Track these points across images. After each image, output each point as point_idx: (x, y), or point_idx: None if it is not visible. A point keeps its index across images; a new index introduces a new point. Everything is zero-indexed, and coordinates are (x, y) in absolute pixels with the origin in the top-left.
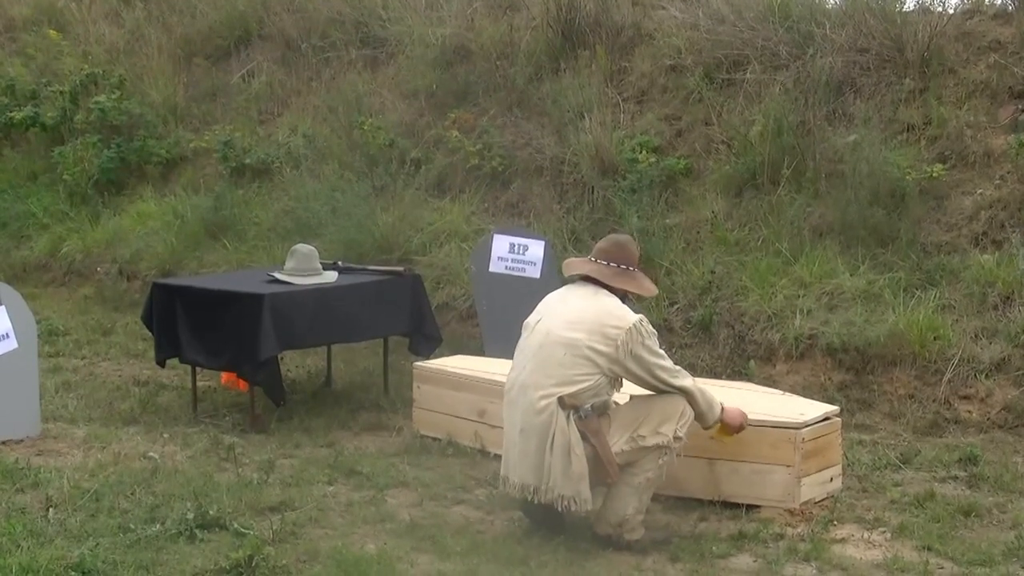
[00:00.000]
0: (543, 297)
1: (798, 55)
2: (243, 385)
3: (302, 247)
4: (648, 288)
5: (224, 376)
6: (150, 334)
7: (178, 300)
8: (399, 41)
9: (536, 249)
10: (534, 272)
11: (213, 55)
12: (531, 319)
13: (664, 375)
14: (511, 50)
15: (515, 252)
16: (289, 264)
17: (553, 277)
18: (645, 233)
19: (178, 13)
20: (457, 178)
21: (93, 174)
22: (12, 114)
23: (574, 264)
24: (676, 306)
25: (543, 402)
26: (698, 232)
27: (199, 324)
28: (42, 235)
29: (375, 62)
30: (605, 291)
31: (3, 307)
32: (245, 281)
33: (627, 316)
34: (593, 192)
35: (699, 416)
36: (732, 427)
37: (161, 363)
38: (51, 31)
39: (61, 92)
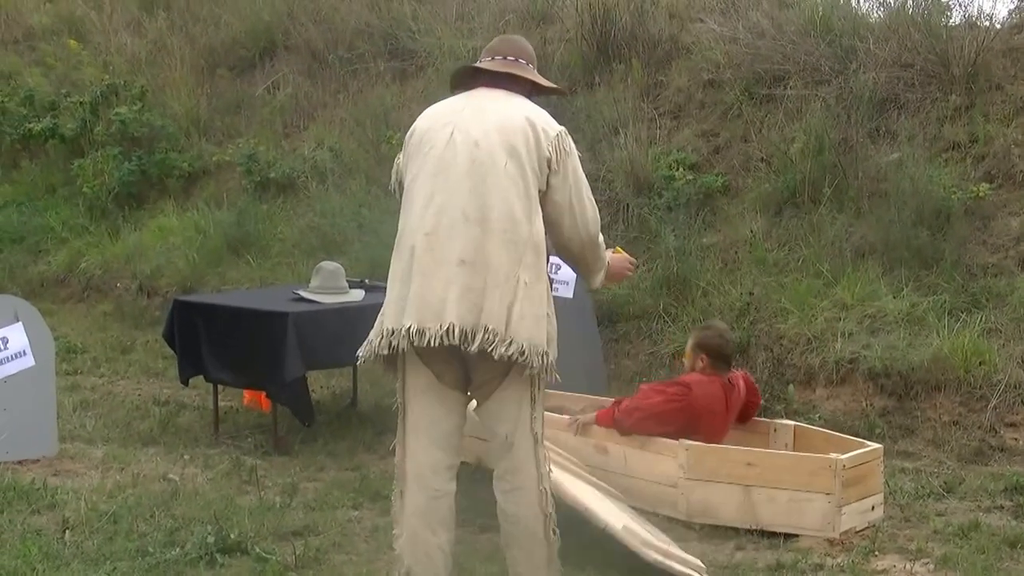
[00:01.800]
0: (576, 319)
1: (840, 70)
2: (266, 405)
3: (328, 264)
4: (547, 83)
5: (247, 396)
6: (170, 352)
7: (201, 317)
8: (428, 53)
9: (568, 269)
10: (567, 292)
11: (237, 66)
12: (423, 133)
13: (589, 196)
14: (544, 63)
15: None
16: (314, 282)
17: (586, 297)
18: (681, 252)
19: (201, 23)
20: None
21: (113, 187)
22: (31, 125)
23: (464, 70)
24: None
25: (509, 227)
26: (736, 252)
27: (222, 342)
28: (60, 249)
29: (404, 74)
30: (512, 93)
31: (20, 324)
32: (269, 299)
33: (551, 119)
34: (628, 210)
35: (591, 270)
36: (617, 276)
37: (184, 381)
38: (71, 41)
39: (81, 103)
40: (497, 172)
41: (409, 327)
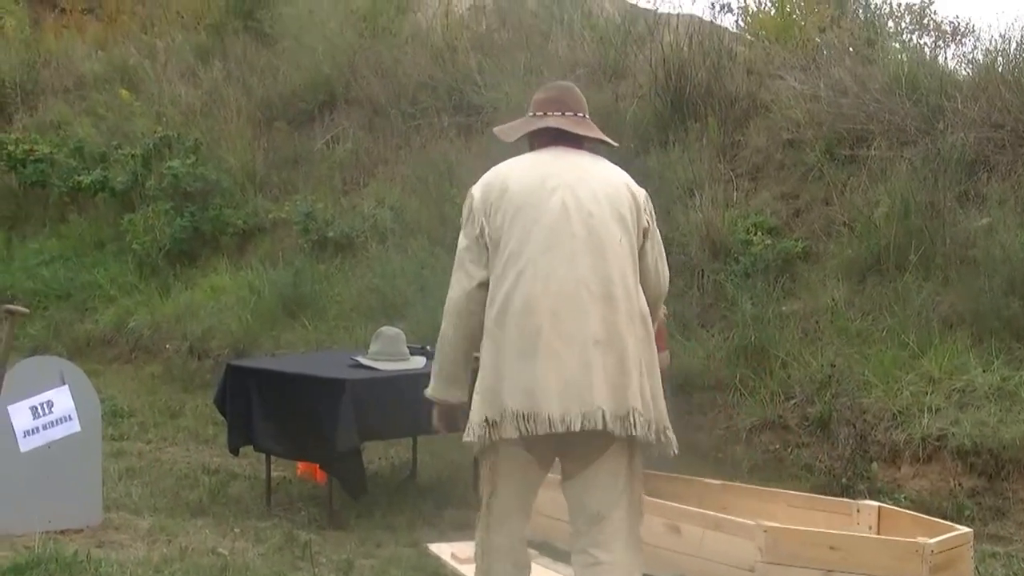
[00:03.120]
0: None
1: (927, 130)
2: (321, 477)
3: (388, 330)
4: (608, 138)
5: (300, 466)
6: (221, 418)
7: (253, 383)
8: (495, 108)
9: None
10: None
11: (295, 119)
12: (522, 194)
13: (663, 254)
14: (616, 120)
15: None
16: (374, 347)
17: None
18: (760, 321)
19: (259, 74)
20: None
21: (164, 243)
22: (80, 178)
23: (533, 122)
24: (792, 401)
25: (630, 302)
26: (817, 321)
27: (275, 409)
28: (108, 308)
29: (468, 130)
30: (595, 155)
31: (66, 386)
32: (325, 364)
33: (633, 181)
34: (703, 276)
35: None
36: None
37: (234, 451)
38: (123, 90)
39: (132, 155)
40: (614, 244)
41: (548, 413)
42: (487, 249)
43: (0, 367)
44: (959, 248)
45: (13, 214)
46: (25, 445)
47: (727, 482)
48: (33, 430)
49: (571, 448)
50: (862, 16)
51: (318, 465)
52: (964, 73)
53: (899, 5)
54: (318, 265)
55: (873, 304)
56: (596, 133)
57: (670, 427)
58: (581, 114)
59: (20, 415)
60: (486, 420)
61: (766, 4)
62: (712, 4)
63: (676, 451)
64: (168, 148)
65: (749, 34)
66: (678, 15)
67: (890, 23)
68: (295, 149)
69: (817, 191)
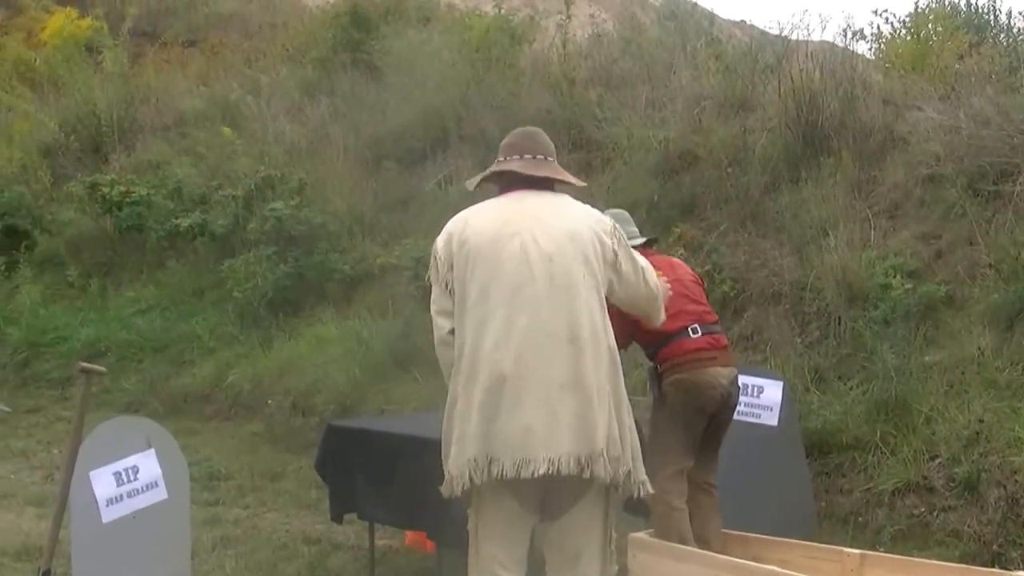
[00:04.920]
0: (782, 450)
1: None
2: (430, 546)
3: None
4: (575, 178)
5: (408, 536)
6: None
7: (357, 445)
8: (616, 144)
9: (773, 391)
10: (771, 419)
11: (405, 158)
12: (480, 244)
13: (647, 265)
14: (744, 156)
15: (748, 394)
16: None
17: (794, 424)
18: (901, 373)
19: (367, 110)
20: None
21: (266, 291)
22: (178, 221)
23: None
24: (937, 460)
25: (597, 342)
26: (963, 372)
27: (381, 474)
28: (207, 360)
29: (589, 167)
30: (558, 194)
31: (152, 450)
32: (436, 424)
33: (599, 213)
34: (839, 323)
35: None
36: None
37: (337, 519)
38: (225, 128)
39: (233, 197)
40: (577, 286)
41: (516, 460)
42: (451, 298)
43: (76, 431)
44: None
45: (108, 260)
46: (108, 515)
47: (867, 551)
48: (117, 498)
49: (553, 491)
50: (1003, 42)
51: (427, 534)
52: None
53: None
54: (430, 315)
55: (1022, 353)
56: (557, 174)
57: (641, 466)
58: (542, 156)
59: (102, 482)
60: (462, 468)
61: (901, 31)
62: (844, 31)
63: (649, 491)
64: (271, 189)
65: (884, 62)
66: (808, 42)
67: None
68: (405, 190)
69: (960, 230)
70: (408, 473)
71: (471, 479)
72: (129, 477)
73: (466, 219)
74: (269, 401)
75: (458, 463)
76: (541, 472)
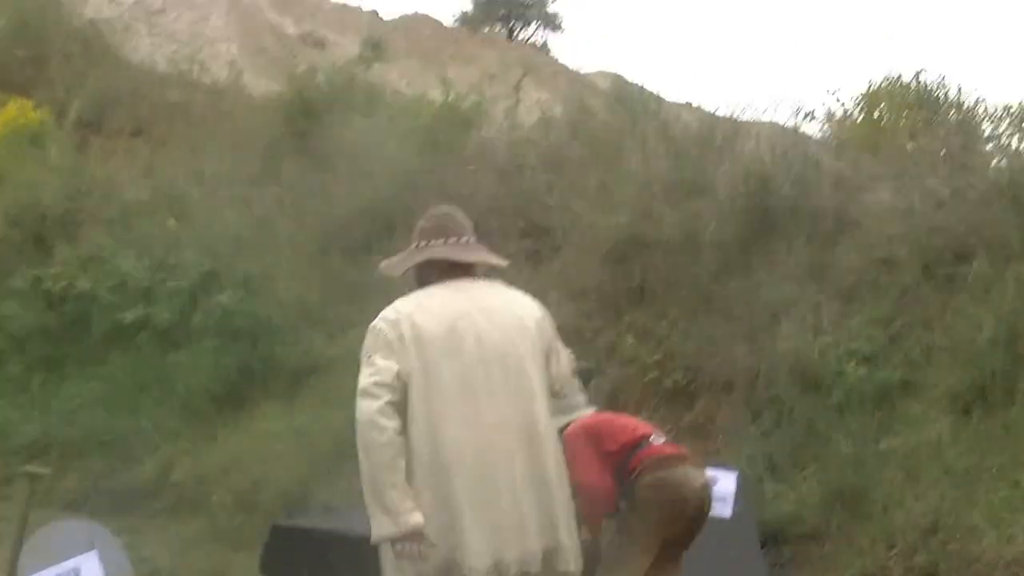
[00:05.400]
0: (735, 542)
1: None
2: None
3: None
4: (497, 258)
5: None
6: None
7: (303, 545)
8: (566, 231)
9: (726, 482)
10: (724, 510)
11: (352, 248)
12: (434, 335)
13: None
14: (694, 241)
15: None
16: None
17: (748, 515)
18: (856, 460)
19: (313, 200)
20: (633, 393)
21: (211, 385)
22: (123, 315)
23: (426, 254)
24: (895, 550)
25: (549, 433)
26: (920, 459)
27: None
28: (151, 456)
29: (537, 255)
30: (492, 282)
31: (95, 552)
32: None
33: (531, 299)
34: (793, 411)
35: None
36: None
37: None
38: (169, 219)
39: (178, 289)
40: (531, 379)
41: (486, 561)
42: (400, 380)
43: (18, 533)
44: None
45: (51, 355)
46: None
47: None
48: None
49: None
50: (954, 120)
51: None
52: None
53: (996, 107)
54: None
55: (980, 438)
56: (485, 257)
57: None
58: (466, 238)
59: None
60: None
61: (853, 111)
62: (795, 111)
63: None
64: (216, 282)
65: (836, 143)
66: (759, 123)
67: (986, 125)
68: (352, 280)
69: (915, 314)
70: (356, 574)
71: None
72: None
73: (414, 307)
74: (213, 497)
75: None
76: (513, 572)
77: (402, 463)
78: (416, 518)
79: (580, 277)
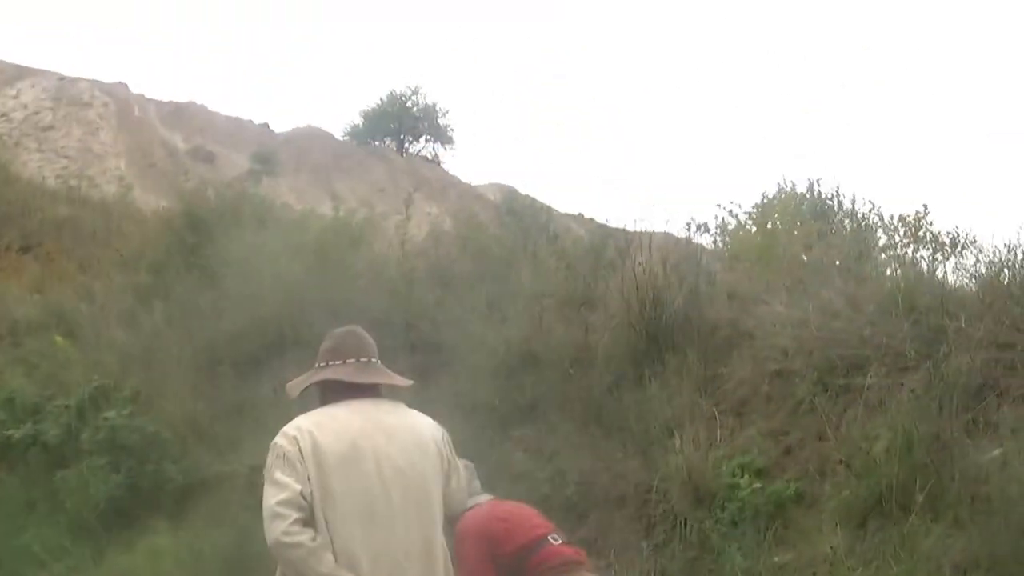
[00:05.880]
0: None
1: (928, 354)
2: None
3: None
4: (401, 379)
5: None
6: None
7: None
8: (455, 347)
9: None
10: None
11: (240, 364)
12: (339, 455)
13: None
14: (586, 355)
15: None
16: None
17: None
18: (750, 574)
19: (202, 315)
20: None
21: (99, 502)
22: (10, 432)
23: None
24: None
25: (443, 553)
26: (814, 573)
27: None
28: (38, 575)
29: (426, 370)
30: (394, 402)
31: None
32: None
33: (431, 420)
34: (686, 525)
35: None
36: None
37: None
38: (57, 337)
39: (66, 407)
40: (430, 502)
41: None
42: (303, 499)
43: None
44: (970, 484)
45: None
46: None
47: None
48: None
49: None
50: (848, 227)
51: None
52: (967, 289)
53: (891, 217)
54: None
55: (876, 551)
56: (384, 378)
57: None
58: (365, 359)
59: None
60: None
61: (747, 223)
62: (688, 223)
63: None
64: (105, 398)
65: (729, 255)
66: (651, 234)
67: (881, 236)
68: (240, 396)
69: (809, 426)
70: None
71: None
72: None
73: (314, 427)
74: None
75: None
76: None
77: (329, 557)
78: None
79: (470, 393)
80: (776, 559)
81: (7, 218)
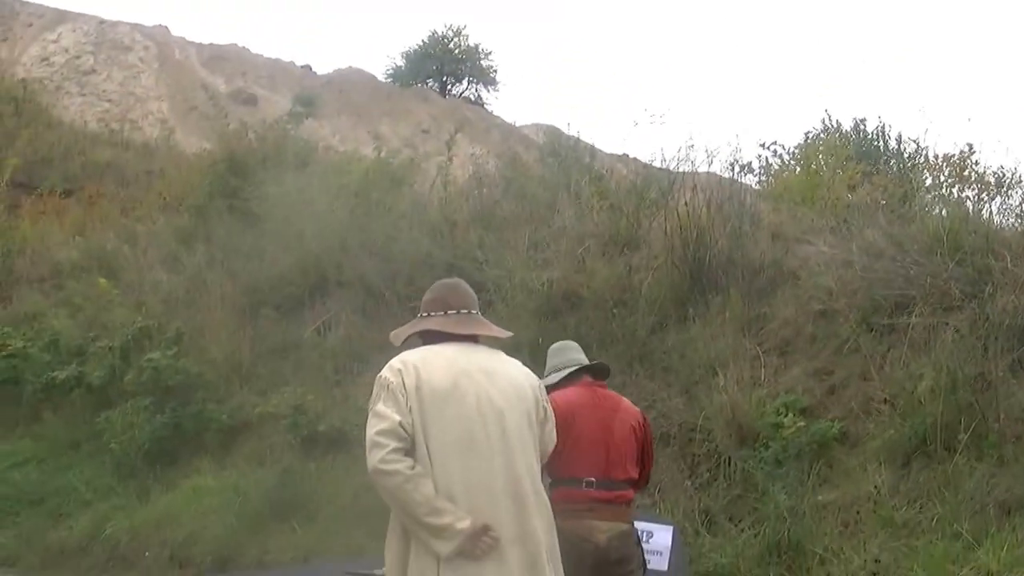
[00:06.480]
0: None
1: (973, 294)
2: None
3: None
4: (500, 330)
5: None
6: None
7: None
8: (498, 286)
9: (663, 536)
10: (660, 563)
11: (283, 305)
12: (440, 390)
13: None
14: (629, 296)
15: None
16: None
17: (685, 569)
18: (794, 513)
19: (244, 258)
20: None
21: (143, 443)
22: (55, 373)
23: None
24: None
25: (537, 495)
26: (858, 511)
27: None
28: (83, 513)
29: None
30: (480, 347)
31: None
32: None
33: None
34: (730, 464)
35: None
36: None
37: None
38: (100, 279)
39: (110, 348)
40: (525, 443)
41: None
42: (404, 429)
43: None
44: (1014, 423)
45: None
46: None
47: None
48: None
49: None
50: (894, 168)
51: None
52: (1013, 229)
53: (936, 156)
54: (309, 463)
55: (920, 490)
56: (482, 329)
57: None
58: (466, 311)
59: None
60: None
61: (791, 163)
62: (732, 164)
63: None
64: (148, 340)
65: (773, 195)
66: (695, 174)
67: (927, 176)
68: (283, 337)
69: (853, 366)
70: None
71: None
72: None
73: (419, 362)
74: (147, 553)
75: None
76: None
77: (428, 485)
78: (465, 522)
79: (513, 332)
80: (820, 498)
81: (49, 162)
